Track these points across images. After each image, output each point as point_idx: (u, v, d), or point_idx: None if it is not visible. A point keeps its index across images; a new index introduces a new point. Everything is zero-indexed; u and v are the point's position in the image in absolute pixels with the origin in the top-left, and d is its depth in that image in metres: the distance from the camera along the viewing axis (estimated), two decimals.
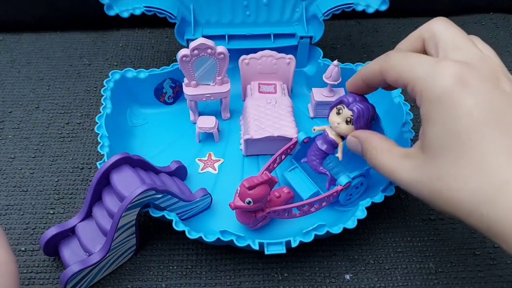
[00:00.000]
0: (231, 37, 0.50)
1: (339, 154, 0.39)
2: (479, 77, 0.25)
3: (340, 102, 0.37)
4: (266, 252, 0.34)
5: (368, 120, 0.37)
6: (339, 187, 0.37)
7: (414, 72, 0.28)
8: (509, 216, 0.23)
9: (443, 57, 0.28)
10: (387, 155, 0.31)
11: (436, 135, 0.26)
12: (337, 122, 0.37)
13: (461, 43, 0.28)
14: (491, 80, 0.26)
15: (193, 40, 0.42)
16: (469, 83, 0.25)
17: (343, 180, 0.37)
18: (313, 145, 0.40)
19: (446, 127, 0.25)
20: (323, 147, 0.39)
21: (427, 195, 0.27)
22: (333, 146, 0.39)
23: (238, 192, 0.34)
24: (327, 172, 0.40)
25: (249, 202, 0.34)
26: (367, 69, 0.33)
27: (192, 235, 0.35)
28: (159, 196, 0.35)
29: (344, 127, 0.37)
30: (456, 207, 0.25)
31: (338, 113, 0.37)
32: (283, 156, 0.42)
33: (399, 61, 0.29)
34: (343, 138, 0.39)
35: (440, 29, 0.29)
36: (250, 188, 0.33)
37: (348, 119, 0.36)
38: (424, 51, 0.31)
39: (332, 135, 0.38)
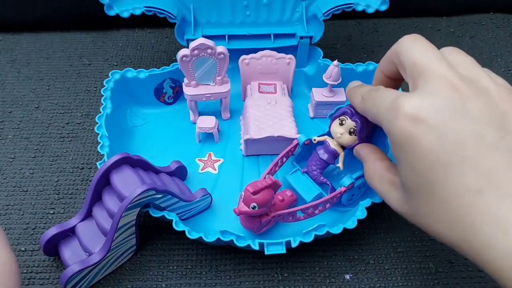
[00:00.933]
0: (231, 37, 0.50)
1: (340, 164, 0.39)
2: (435, 111, 0.24)
3: (343, 113, 0.37)
4: (266, 252, 0.34)
5: (371, 130, 0.37)
6: (342, 188, 0.37)
7: (379, 116, 0.28)
8: (483, 255, 0.23)
9: (400, 95, 0.27)
10: (378, 181, 0.31)
11: (407, 176, 0.26)
12: (340, 133, 0.37)
13: (422, 69, 0.26)
14: (450, 107, 0.24)
15: (193, 40, 0.42)
16: (424, 121, 0.24)
17: (346, 181, 0.37)
18: (314, 155, 0.40)
19: (412, 169, 0.25)
20: (325, 156, 0.39)
21: (418, 226, 0.28)
22: (334, 156, 0.39)
23: (243, 197, 0.34)
24: (328, 182, 0.40)
25: (254, 207, 0.33)
26: (354, 105, 0.34)
27: (192, 235, 0.35)
28: (159, 196, 0.35)
29: (347, 137, 0.37)
30: (442, 240, 0.26)
31: (341, 124, 0.37)
32: (284, 159, 0.42)
33: (367, 101, 0.30)
34: (344, 148, 0.39)
35: (404, 54, 0.28)
36: (254, 192, 0.33)
37: (351, 130, 0.36)
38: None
39: (333, 145, 0.39)
